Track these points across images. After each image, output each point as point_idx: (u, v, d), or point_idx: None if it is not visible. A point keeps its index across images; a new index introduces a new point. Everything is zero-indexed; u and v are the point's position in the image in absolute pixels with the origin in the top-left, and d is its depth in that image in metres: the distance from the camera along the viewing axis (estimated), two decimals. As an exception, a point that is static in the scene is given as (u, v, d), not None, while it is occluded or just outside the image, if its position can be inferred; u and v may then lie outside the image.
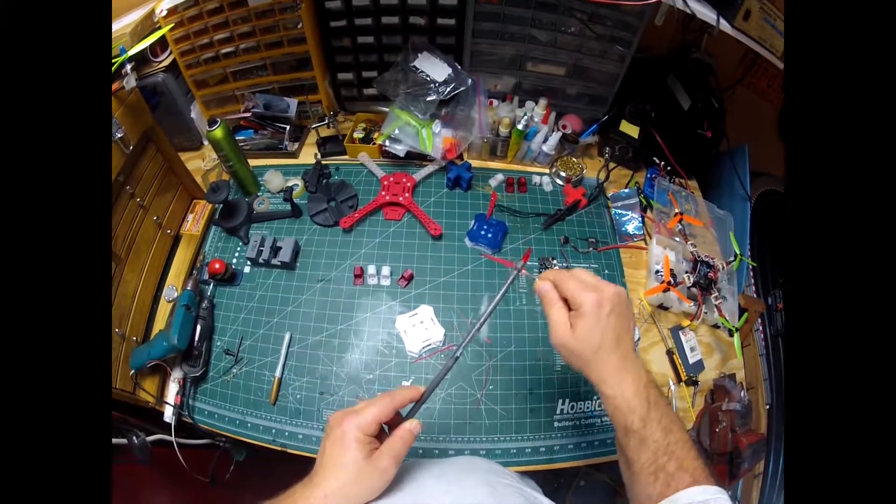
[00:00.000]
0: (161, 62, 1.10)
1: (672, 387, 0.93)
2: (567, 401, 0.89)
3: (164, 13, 1.00)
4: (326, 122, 1.13)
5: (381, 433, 0.52)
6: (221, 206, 1.05)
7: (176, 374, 0.92)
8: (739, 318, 1.00)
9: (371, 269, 0.98)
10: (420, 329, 0.92)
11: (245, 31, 1.06)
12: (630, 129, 1.13)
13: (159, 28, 0.99)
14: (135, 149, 0.89)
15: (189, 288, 0.93)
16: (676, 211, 1.08)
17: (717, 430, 0.87)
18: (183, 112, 1.16)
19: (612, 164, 1.16)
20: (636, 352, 0.56)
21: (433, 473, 0.56)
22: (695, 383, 0.93)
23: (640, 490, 0.52)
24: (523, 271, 0.97)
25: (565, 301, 0.56)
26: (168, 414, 0.90)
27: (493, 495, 0.52)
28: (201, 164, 1.21)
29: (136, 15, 0.99)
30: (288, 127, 1.15)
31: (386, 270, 0.98)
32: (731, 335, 0.98)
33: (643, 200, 1.12)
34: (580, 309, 0.54)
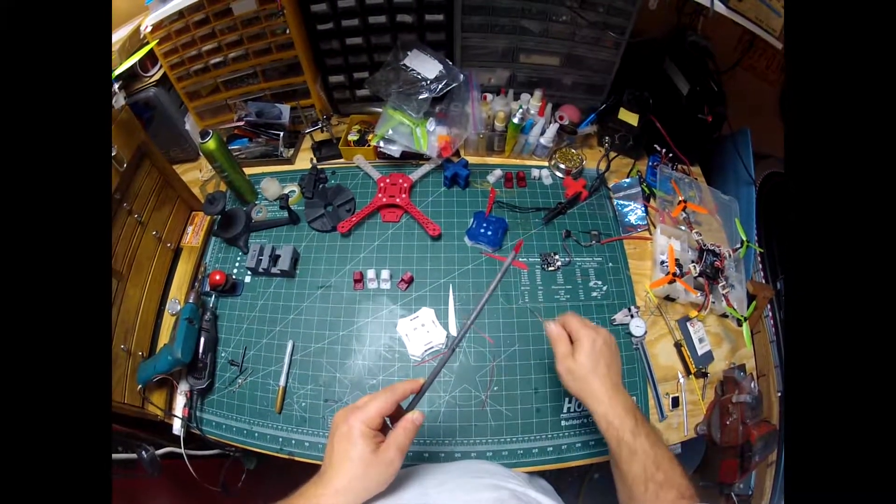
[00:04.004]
0: (152, 76, 1.10)
1: (681, 379, 0.91)
2: (574, 399, 0.88)
3: (150, 29, 1.00)
4: (320, 126, 1.12)
5: (384, 426, 0.54)
6: (220, 216, 1.05)
7: (182, 387, 0.93)
8: (748, 306, 0.98)
9: (370, 274, 0.97)
10: (422, 332, 0.92)
11: (233, 40, 1.05)
12: (629, 117, 1.10)
13: (147, 44, 0.99)
14: (129, 165, 0.89)
15: (191, 300, 0.94)
16: (680, 199, 1.05)
17: (728, 422, 0.86)
18: (177, 124, 1.16)
19: (612, 154, 1.14)
20: (625, 387, 0.67)
21: (437, 480, 0.57)
22: (704, 375, 0.91)
23: (638, 501, 0.57)
24: (523, 266, 0.96)
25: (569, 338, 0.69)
26: (177, 426, 0.91)
27: (496, 501, 0.52)
28: (198, 174, 1.21)
29: (122, 32, 1.00)
30: (282, 133, 1.14)
31: (385, 274, 0.97)
32: (740, 325, 0.96)
33: (646, 189, 1.09)
34: (579, 342, 0.67)
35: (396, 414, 0.55)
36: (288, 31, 1.02)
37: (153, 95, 1.09)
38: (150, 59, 1.09)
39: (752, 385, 0.89)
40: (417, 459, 0.84)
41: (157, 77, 1.10)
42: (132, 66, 1.03)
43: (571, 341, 0.68)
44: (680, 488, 0.55)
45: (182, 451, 0.91)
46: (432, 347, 0.91)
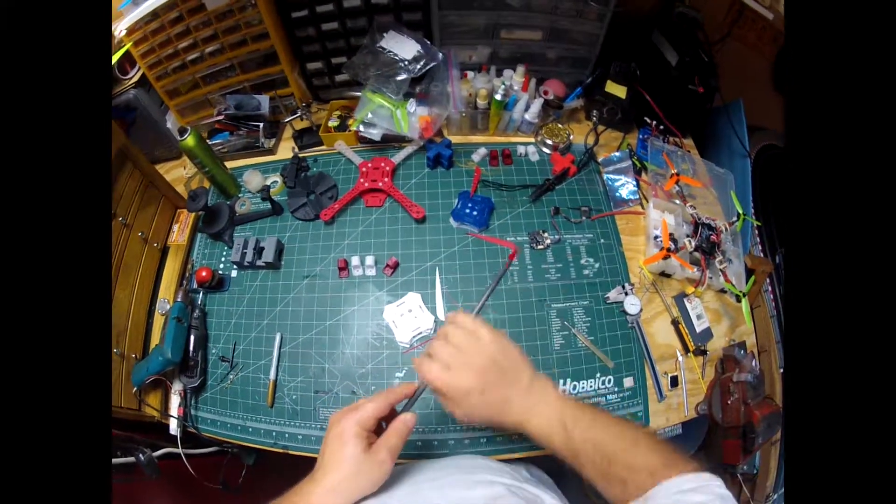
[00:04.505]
0: (131, 78, 1.09)
1: (680, 358, 0.89)
2: (568, 380, 0.86)
3: (123, 32, 1.00)
4: (299, 114, 1.10)
5: (380, 428, 0.55)
6: (204, 212, 1.04)
7: (176, 386, 0.92)
8: (747, 281, 0.94)
9: (355, 261, 0.95)
10: (409, 318, 0.90)
11: (208, 35, 1.04)
12: (616, 90, 1.07)
13: (122, 47, 0.99)
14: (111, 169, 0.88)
15: (179, 299, 0.93)
16: (673, 172, 1.02)
17: (729, 402, 0.83)
18: (159, 123, 1.15)
19: (600, 128, 1.10)
20: (532, 368, 0.59)
21: (430, 476, 0.58)
22: (703, 353, 0.88)
23: (606, 493, 0.53)
24: (512, 246, 0.94)
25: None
26: (173, 426, 0.91)
27: (490, 497, 0.52)
28: (183, 171, 1.20)
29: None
30: (262, 124, 1.12)
31: (370, 260, 0.95)
32: (739, 301, 0.93)
33: (636, 163, 1.06)
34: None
35: (391, 417, 0.56)
36: (262, 22, 1.00)
37: (133, 97, 1.08)
38: (129, 61, 1.09)
39: (754, 363, 0.86)
40: (411, 447, 0.83)
41: (136, 78, 1.09)
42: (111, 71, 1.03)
43: None
44: (649, 466, 0.50)
45: (180, 450, 0.91)
46: (420, 333, 0.89)
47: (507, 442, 0.82)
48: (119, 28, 1.00)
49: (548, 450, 0.56)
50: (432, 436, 0.83)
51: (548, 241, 0.96)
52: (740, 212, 0.99)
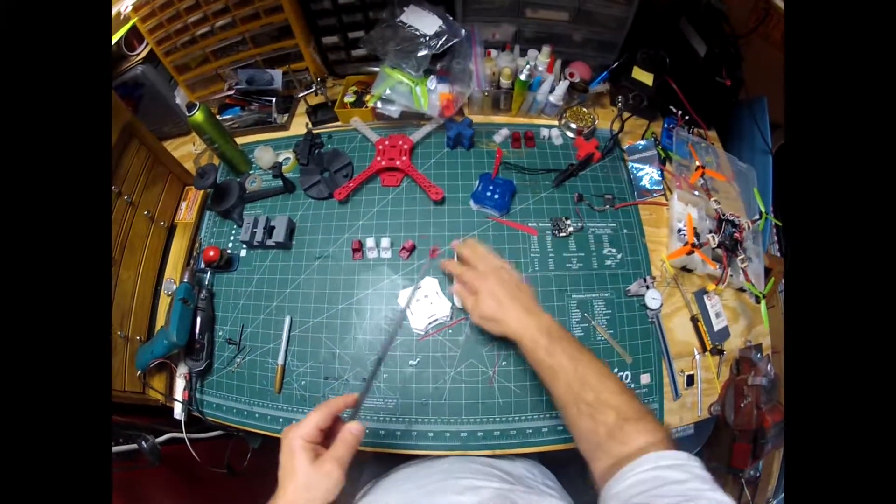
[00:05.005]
0: (139, 54, 1.06)
1: (697, 356, 0.86)
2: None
3: (130, 8, 0.97)
4: (314, 89, 1.06)
5: (330, 440, 0.56)
6: (213, 189, 1.01)
7: (181, 370, 0.90)
8: (766, 282, 0.92)
9: (370, 242, 0.92)
10: (425, 304, 0.87)
11: (219, 9, 1.00)
12: (643, 77, 1.03)
13: (127, 22, 0.98)
14: (115, 147, 0.86)
15: (185, 280, 0.90)
16: (698, 164, 0.99)
17: (742, 405, 0.81)
18: (168, 99, 1.12)
19: (626, 114, 1.06)
20: (539, 305, 0.70)
21: (419, 482, 0.61)
22: (720, 352, 0.86)
23: (576, 428, 0.57)
24: (533, 232, 0.91)
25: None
26: (177, 410, 0.89)
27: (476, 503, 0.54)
28: (192, 148, 1.17)
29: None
30: (274, 99, 1.08)
31: (385, 242, 0.92)
32: (758, 301, 0.90)
33: (661, 153, 1.03)
34: (479, 292, 0.71)
35: (338, 428, 0.57)
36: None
37: (141, 73, 1.06)
38: (136, 37, 1.06)
39: (769, 367, 0.84)
40: (422, 439, 0.81)
41: (143, 54, 1.06)
42: (118, 48, 1.02)
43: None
44: (618, 408, 0.53)
45: (184, 435, 0.89)
46: (436, 320, 0.86)
47: (521, 436, 0.80)
48: (125, 3, 0.97)
49: (532, 363, 0.64)
50: (444, 426, 0.81)
51: (570, 229, 0.93)
52: (763, 210, 0.97)
